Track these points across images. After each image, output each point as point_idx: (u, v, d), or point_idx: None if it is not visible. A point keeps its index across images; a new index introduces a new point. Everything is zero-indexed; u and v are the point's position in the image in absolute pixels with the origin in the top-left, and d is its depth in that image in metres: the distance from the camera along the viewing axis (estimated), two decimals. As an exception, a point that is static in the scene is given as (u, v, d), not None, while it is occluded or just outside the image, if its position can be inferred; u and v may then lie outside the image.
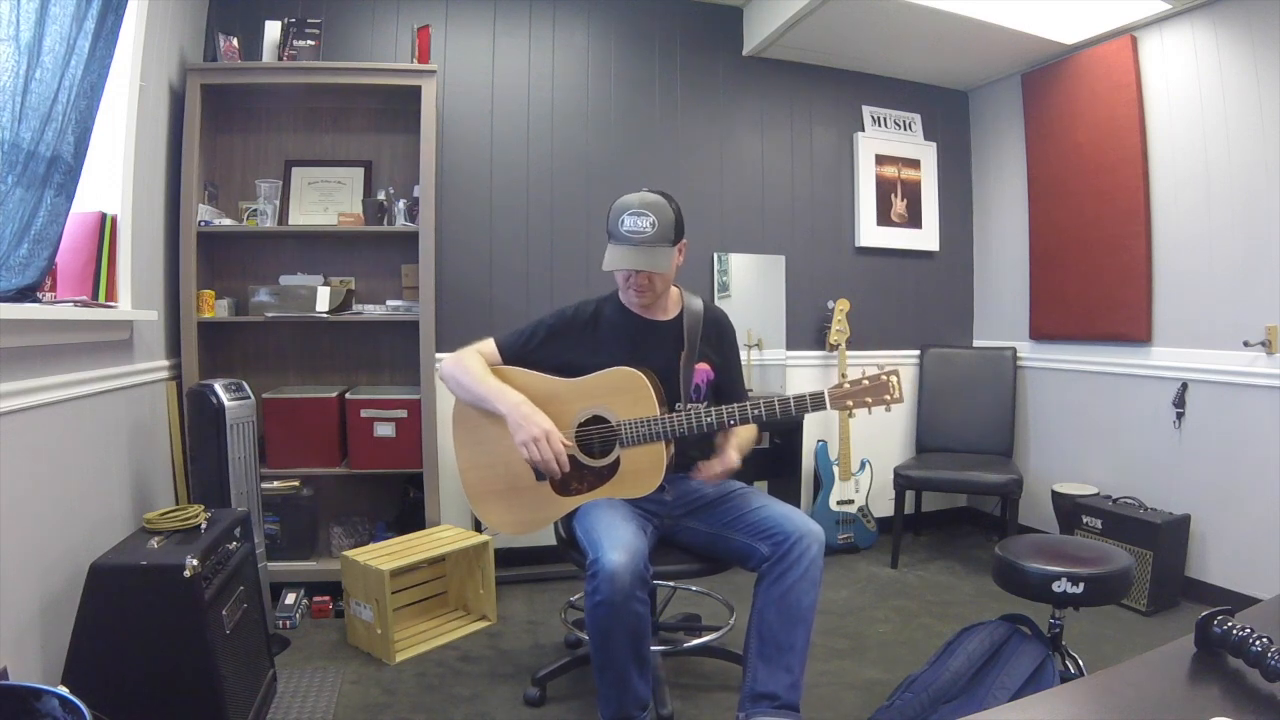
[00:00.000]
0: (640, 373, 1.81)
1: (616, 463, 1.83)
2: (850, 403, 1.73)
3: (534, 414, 1.81)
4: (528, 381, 1.92)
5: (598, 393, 1.85)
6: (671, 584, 2.59)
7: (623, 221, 1.82)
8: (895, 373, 1.72)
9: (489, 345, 1.99)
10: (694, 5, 3.36)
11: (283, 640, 2.38)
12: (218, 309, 2.66)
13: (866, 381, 1.73)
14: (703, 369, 1.95)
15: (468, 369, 1.91)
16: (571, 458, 1.84)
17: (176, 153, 2.56)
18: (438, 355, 2.64)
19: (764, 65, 3.47)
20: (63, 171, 1.64)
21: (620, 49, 3.27)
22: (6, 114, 1.45)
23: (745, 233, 3.46)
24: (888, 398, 1.71)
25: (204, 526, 1.77)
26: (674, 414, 1.78)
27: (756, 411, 1.75)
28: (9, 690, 1.18)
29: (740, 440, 1.93)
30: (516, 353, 1.97)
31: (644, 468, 1.81)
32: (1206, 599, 2.71)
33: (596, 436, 1.85)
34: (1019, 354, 3.60)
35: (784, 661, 1.65)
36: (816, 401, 1.72)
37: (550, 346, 1.96)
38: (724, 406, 1.77)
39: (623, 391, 1.82)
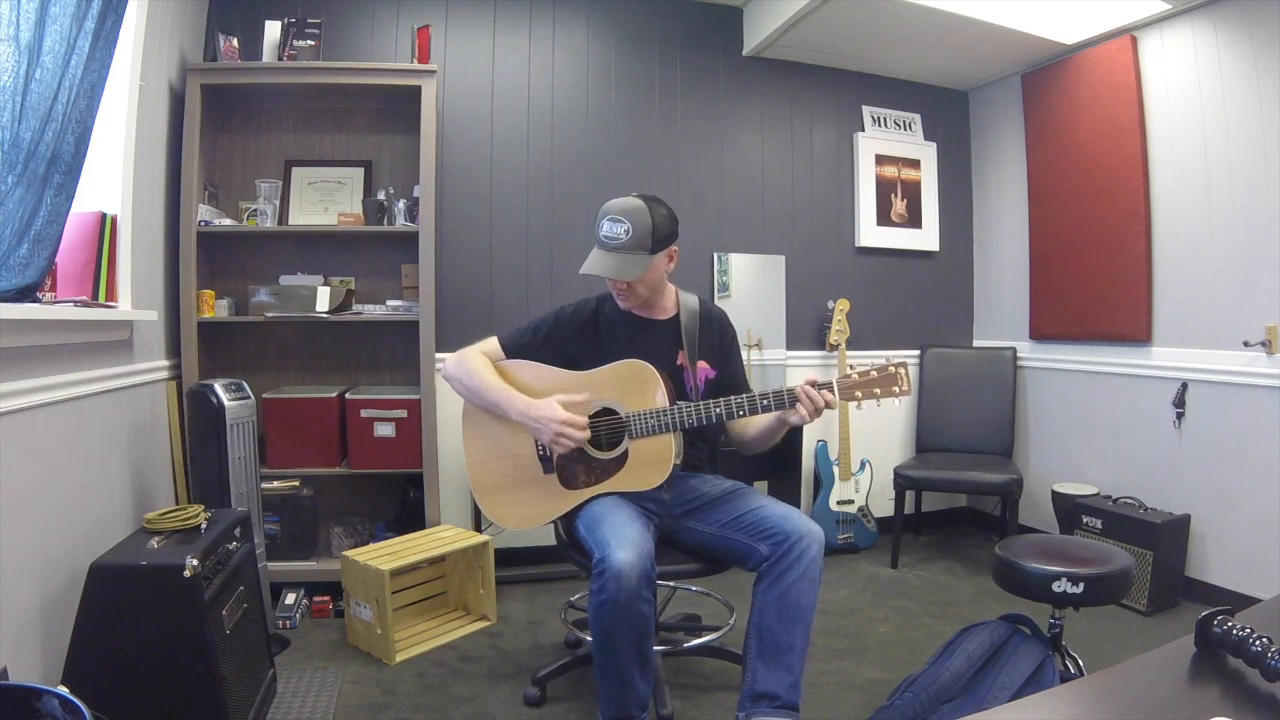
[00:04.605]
0: (651, 365, 1.82)
1: (624, 455, 1.83)
2: (859, 393, 1.73)
3: (541, 411, 1.80)
4: (537, 375, 1.92)
5: (608, 385, 1.85)
6: (671, 584, 2.59)
7: (601, 226, 1.84)
8: (903, 365, 1.73)
9: (492, 344, 1.99)
10: (694, 5, 3.36)
11: (283, 640, 2.38)
12: (218, 309, 2.66)
13: (874, 373, 1.73)
14: (702, 368, 1.95)
15: (474, 374, 1.91)
16: (579, 450, 1.85)
17: (176, 153, 2.56)
18: (438, 355, 2.65)
19: (764, 65, 3.47)
20: (63, 171, 1.64)
21: (620, 49, 3.27)
22: (6, 114, 1.45)
23: (745, 233, 3.46)
24: (896, 389, 1.72)
25: (204, 526, 1.77)
26: (682, 405, 1.78)
27: (765, 401, 1.74)
28: (9, 690, 1.18)
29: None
30: (520, 351, 1.97)
31: (652, 460, 1.81)
32: (1206, 599, 2.71)
33: (605, 429, 1.85)
34: (1019, 354, 3.60)
35: (784, 661, 1.64)
36: (825, 389, 1.71)
37: (553, 344, 1.96)
38: (732, 397, 1.77)
39: (633, 383, 1.82)
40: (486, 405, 1.90)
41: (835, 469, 3.39)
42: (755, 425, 1.90)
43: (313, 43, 2.70)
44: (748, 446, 1.97)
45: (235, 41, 2.65)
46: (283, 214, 2.80)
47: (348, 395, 2.71)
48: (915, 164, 3.73)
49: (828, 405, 1.71)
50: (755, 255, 3.46)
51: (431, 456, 2.72)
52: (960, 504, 3.89)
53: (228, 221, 2.69)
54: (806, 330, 3.55)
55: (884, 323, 3.67)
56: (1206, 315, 2.79)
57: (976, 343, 3.89)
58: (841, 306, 3.43)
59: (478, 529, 2.78)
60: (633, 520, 1.72)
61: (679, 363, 1.92)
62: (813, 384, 1.71)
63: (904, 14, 2.95)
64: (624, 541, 1.61)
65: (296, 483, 2.74)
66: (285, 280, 2.80)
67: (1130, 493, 2.95)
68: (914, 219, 3.74)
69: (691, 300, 2.00)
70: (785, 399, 1.73)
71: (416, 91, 2.67)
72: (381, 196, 2.82)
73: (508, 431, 1.90)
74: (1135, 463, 3.05)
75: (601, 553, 1.60)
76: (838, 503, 3.40)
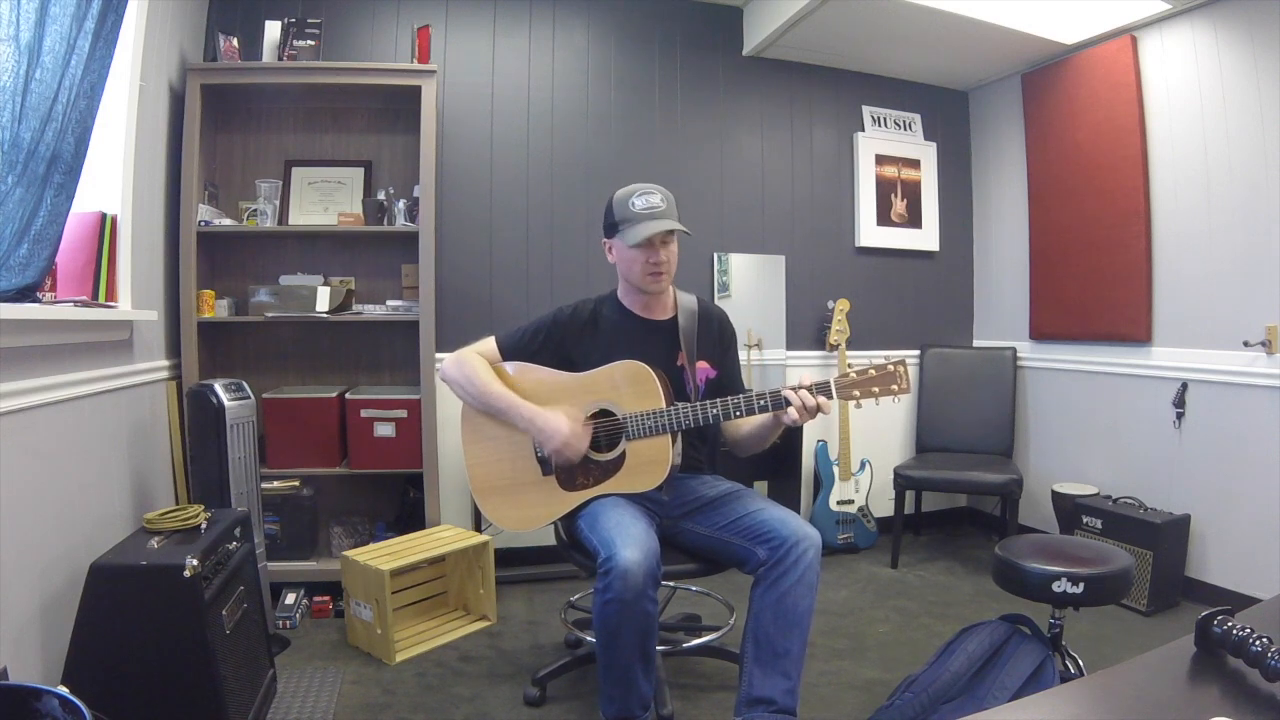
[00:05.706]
0: (647, 365, 1.82)
1: (622, 456, 1.83)
2: (857, 393, 1.72)
3: (549, 422, 1.81)
4: (536, 378, 1.92)
5: (604, 386, 1.85)
6: (672, 584, 2.59)
7: (633, 203, 1.84)
8: (902, 363, 1.71)
9: (489, 345, 1.98)
10: (694, 5, 3.36)
11: (283, 640, 2.38)
12: (218, 309, 2.66)
13: (873, 371, 1.72)
14: (702, 367, 1.95)
15: (475, 379, 1.90)
16: None
17: (176, 153, 2.56)
18: (438, 355, 2.65)
19: (764, 65, 3.47)
20: (63, 171, 1.64)
21: (620, 49, 3.27)
22: (6, 114, 1.45)
23: (745, 233, 3.46)
24: (895, 388, 1.70)
25: (204, 526, 1.77)
26: (679, 406, 1.78)
27: (763, 402, 1.73)
28: (9, 690, 1.18)
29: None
30: (518, 352, 1.96)
31: (650, 461, 1.80)
32: (1206, 599, 2.71)
33: (603, 430, 1.85)
34: (1019, 354, 3.60)
35: (780, 667, 1.64)
36: (822, 390, 1.71)
37: (551, 345, 1.96)
38: (728, 398, 1.76)
39: (630, 384, 1.82)
40: (490, 411, 1.90)
41: (835, 469, 3.39)
42: (747, 425, 1.90)
43: (313, 43, 2.70)
44: (740, 447, 1.97)
45: (235, 41, 2.65)
46: (283, 214, 2.80)
47: (348, 395, 2.71)
48: (915, 164, 3.73)
49: (820, 409, 1.70)
50: (755, 255, 3.46)
51: (431, 456, 2.72)
52: (960, 504, 3.89)
53: (228, 221, 2.69)
54: (806, 330, 3.55)
55: (884, 323, 3.67)
56: (1206, 315, 2.79)
57: (976, 343, 3.89)
58: (841, 306, 3.43)
59: (478, 529, 2.78)
60: (637, 519, 1.72)
61: (678, 363, 1.92)
62: (809, 385, 1.71)
63: (904, 14, 2.95)
64: (630, 540, 1.60)
65: (296, 483, 2.74)
66: (285, 280, 2.80)
67: (1130, 493, 2.95)
68: (914, 219, 3.74)
69: (690, 300, 2.00)
70: (781, 399, 1.72)
71: (416, 91, 2.67)
72: (381, 196, 2.82)
73: (505, 434, 1.90)
74: (1135, 463, 3.05)
75: (608, 551, 1.60)
76: (838, 503, 3.40)
